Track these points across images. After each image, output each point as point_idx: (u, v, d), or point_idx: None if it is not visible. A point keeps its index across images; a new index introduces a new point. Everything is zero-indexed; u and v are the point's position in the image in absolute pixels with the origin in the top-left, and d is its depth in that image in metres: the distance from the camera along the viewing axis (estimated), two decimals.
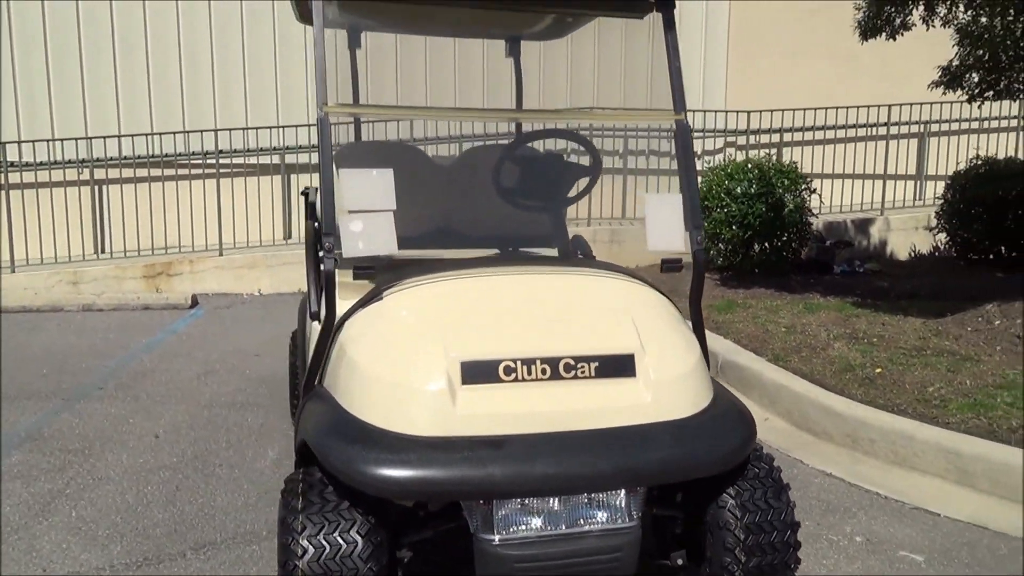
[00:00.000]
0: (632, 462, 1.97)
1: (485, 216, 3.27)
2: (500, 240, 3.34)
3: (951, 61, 5.63)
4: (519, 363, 2.02)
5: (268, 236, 8.53)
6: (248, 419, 4.09)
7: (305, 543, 1.88)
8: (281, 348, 5.26)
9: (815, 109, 9.20)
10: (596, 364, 2.07)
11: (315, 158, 8.49)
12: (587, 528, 1.97)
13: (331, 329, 2.23)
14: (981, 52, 5.39)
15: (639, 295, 2.36)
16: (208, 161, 8.22)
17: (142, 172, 8.17)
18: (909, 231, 8.74)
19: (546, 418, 1.99)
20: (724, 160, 8.76)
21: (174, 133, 8.19)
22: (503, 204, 3.15)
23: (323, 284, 2.22)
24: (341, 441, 1.96)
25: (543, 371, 2.03)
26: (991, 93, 5.59)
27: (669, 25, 2.54)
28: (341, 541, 1.89)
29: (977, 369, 4.20)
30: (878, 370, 4.27)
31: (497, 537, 1.93)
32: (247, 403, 4.36)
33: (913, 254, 8.40)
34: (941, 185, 8.14)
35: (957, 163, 8.34)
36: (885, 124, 9.02)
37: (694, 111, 9.16)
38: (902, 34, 5.70)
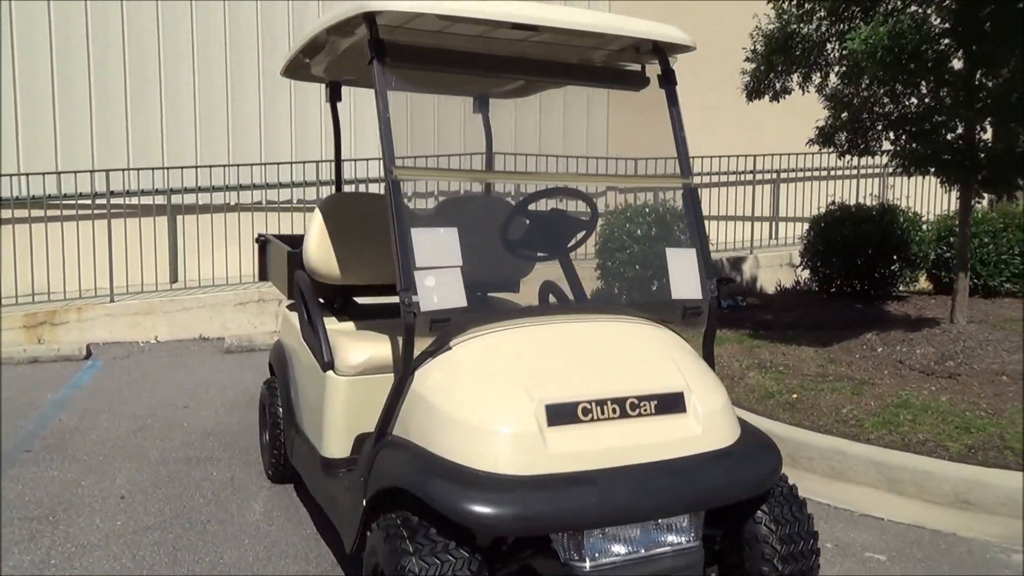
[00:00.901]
0: (696, 488, 2.24)
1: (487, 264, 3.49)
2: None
3: (825, 122, 6.46)
4: (594, 404, 2.25)
5: (152, 280, 8.17)
6: (213, 474, 3.99)
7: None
8: (208, 399, 5.19)
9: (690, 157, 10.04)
10: (655, 402, 2.34)
11: (204, 198, 8.27)
12: (662, 550, 2.21)
13: (406, 380, 2.35)
14: (846, 116, 6.24)
15: (667, 337, 2.66)
16: (86, 202, 7.80)
17: (21, 213, 7.61)
18: (775, 267, 9.73)
19: (621, 453, 2.23)
20: (606, 204, 9.46)
21: (43, 174, 7.70)
22: (502, 253, 3.38)
23: (404, 337, 2.33)
24: (447, 484, 2.09)
25: (613, 410, 2.27)
26: (856, 151, 6.46)
27: (672, 100, 2.90)
28: (455, 573, 2.02)
29: (876, 391, 4.84)
30: (795, 396, 4.82)
31: (588, 564, 2.13)
32: (203, 458, 4.23)
33: (779, 288, 9.35)
34: (795, 225, 9.15)
35: (816, 207, 9.40)
36: (751, 172, 10.02)
37: (578, 157, 9.81)
38: (784, 97, 6.48)
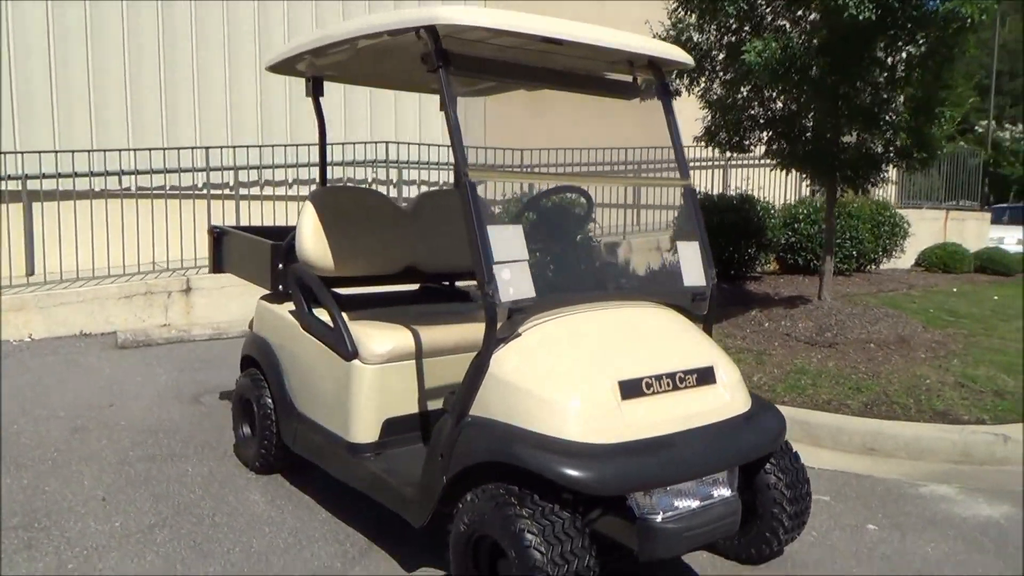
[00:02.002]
0: (736, 447, 2.66)
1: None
2: None
3: (708, 123, 7.16)
4: (653, 379, 2.60)
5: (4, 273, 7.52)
6: (189, 470, 3.91)
7: (539, 539, 2.25)
8: (131, 397, 5.09)
9: (558, 149, 10.60)
10: (695, 376, 2.72)
11: (64, 184, 7.70)
12: (712, 502, 2.60)
13: (485, 365, 2.56)
14: (729, 117, 6.98)
15: (683, 320, 3.05)
16: None
17: None
18: (645, 252, 10.55)
19: (678, 420, 2.59)
20: (483, 193, 9.87)
21: None
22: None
23: (486, 326, 2.53)
24: (550, 454, 2.34)
25: (667, 384, 2.63)
26: (735, 148, 7.23)
27: (668, 109, 3.29)
28: (567, 534, 2.29)
29: (774, 360, 5.57)
30: None
31: (660, 516, 2.48)
32: (166, 455, 4.11)
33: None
34: (663, 213, 10.02)
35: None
36: (611, 164, 10.77)
37: (436, 145, 10.09)
38: (675, 98, 7.11)
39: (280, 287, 3.81)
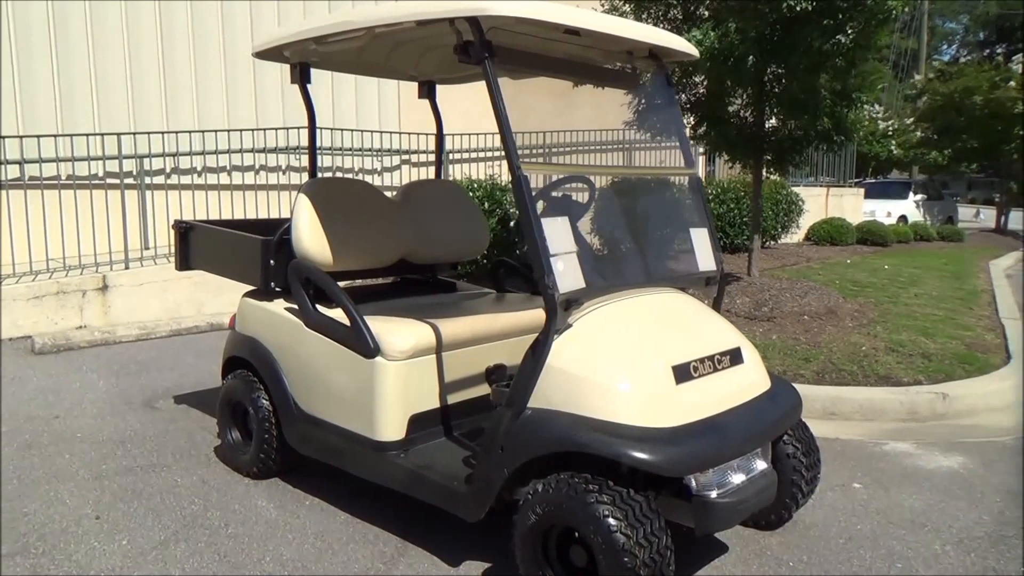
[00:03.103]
0: (772, 422, 2.83)
1: None
2: None
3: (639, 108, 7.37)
4: (698, 362, 2.73)
5: None
6: (178, 479, 3.72)
7: (623, 523, 2.32)
8: (73, 407, 4.87)
9: (469, 134, 10.59)
10: (728, 357, 2.88)
11: None
12: (753, 475, 2.76)
13: (542, 357, 2.59)
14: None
15: (701, 303, 3.19)
16: None
17: None
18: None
19: (722, 400, 2.73)
20: (400, 178, 9.84)
21: None
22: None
23: (547, 318, 2.56)
24: (624, 440, 2.41)
25: (708, 366, 2.77)
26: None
27: (671, 100, 3.40)
28: (646, 516, 2.38)
29: None
30: None
31: (715, 492, 2.61)
32: (145, 467, 3.89)
33: None
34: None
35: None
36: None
37: (373, 131, 9.94)
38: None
39: (271, 284, 3.67)
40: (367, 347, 3.13)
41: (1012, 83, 15.32)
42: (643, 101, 7.37)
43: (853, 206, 15.24)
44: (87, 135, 7.87)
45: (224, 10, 9.17)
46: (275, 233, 3.70)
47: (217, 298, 7.77)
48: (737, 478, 2.68)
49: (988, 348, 5.83)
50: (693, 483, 2.59)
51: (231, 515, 3.34)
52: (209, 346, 6.58)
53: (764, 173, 7.96)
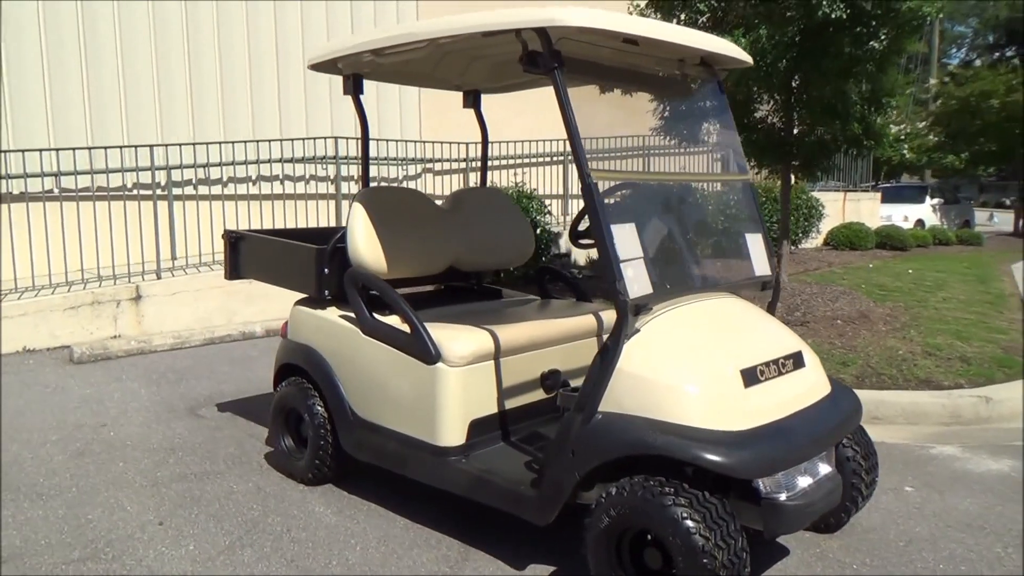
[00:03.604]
0: (836, 425, 2.85)
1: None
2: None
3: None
4: (764, 366, 2.75)
5: None
6: (234, 486, 3.75)
7: (702, 525, 2.35)
8: (120, 415, 4.92)
9: (493, 142, 10.65)
10: (791, 360, 2.90)
11: None
12: (821, 477, 2.78)
13: (613, 362, 2.62)
14: None
15: (757, 307, 3.22)
16: None
17: None
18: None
19: (788, 403, 2.75)
20: (422, 187, 9.90)
21: None
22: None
23: (617, 322, 2.60)
24: (701, 444, 2.43)
25: (773, 370, 2.79)
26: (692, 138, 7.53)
27: (725, 107, 3.43)
28: (723, 518, 2.40)
29: None
30: None
31: (784, 495, 2.63)
32: (199, 474, 3.93)
33: (589, 259, 10.42)
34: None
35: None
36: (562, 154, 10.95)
37: (396, 140, 9.99)
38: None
39: (326, 292, 3.71)
40: (428, 353, 3.16)
41: None
42: (667, 108, 7.44)
43: (870, 210, 15.24)
44: (119, 147, 7.94)
45: (250, 21, 9.25)
46: (327, 242, 3.75)
47: (248, 307, 7.83)
48: (804, 481, 2.70)
49: None
50: (762, 486, 2.61)
51: (291, 520, 3.37)
52: (243, 354, 6.64)
53: (809, 180, 7.98)
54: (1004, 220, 22.31)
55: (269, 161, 9.06)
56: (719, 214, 3.65)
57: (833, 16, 5.29)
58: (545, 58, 2.68)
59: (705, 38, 3.10)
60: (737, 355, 2.72)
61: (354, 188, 9.52)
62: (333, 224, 9.19)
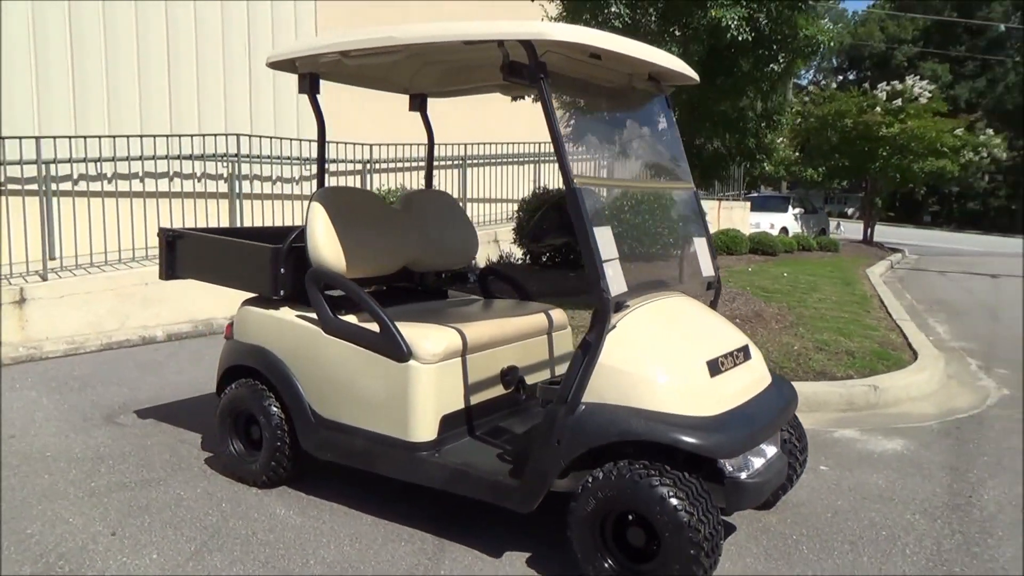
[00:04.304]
0: (782, 410, 3.16)
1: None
2: None
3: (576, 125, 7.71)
4: (722, 357, 3.02)
5: None
6: (181, 493, 3.63)
7: (686, 502, 2.56)
8: (25, 425, 4.64)
9: (389, 145, 10.63)
10: (742, 353, 3.19)
11: None
12: (771, 457, 3.07)
13: (595, 356, 2.79)
14: None
15: (704, 305, 3.49)
16: None
17: None
18: (484, 244, 10.96)
19: (743, 391, 3.03)
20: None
21: None
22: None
23: (600, 318, 2.77)
24: (679, 428, 2.65)
25: (730, 361, 3.07)
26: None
27: (671, 122, 3.70)
28: (701, 496, 2.62)
29: None
30: None
31: (744, 474, 2.90)
32: (140, 481, 3.77)
33: (490, 263, 10.60)
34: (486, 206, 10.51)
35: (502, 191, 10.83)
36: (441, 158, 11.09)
37: (291, 139, 9.80)
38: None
39: (281, 292, 3.67)
40: (400, 351, 3.22)
41: (878, 108, 16.93)
42: (574, 116, 7.75)
43: (741, 218, 16.32)
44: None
45: (139, 18, 8.81)
46: (258, 241, 3.74)
47: (143, 311, 7.47)
48: (758, 461, 2.98)
49: (896, 346, 6.52)
50: (727, 466, 2.87)
51: (254, 524, 3.33)
52: (148, 359, 6.34)
53: (706, 189, 8.49)
54: (848, 229, 24.47)
55: (181, 157, 8.64)
56: (666, 219, 3.91)
57: (740, 38, 5.74)
58: (531, 69, 2.83)
59: (667, 56, 3.34)
60: (700, 348, 2.97)
61: (247, 188, 9.25)
62: (226, 224, 8.90)
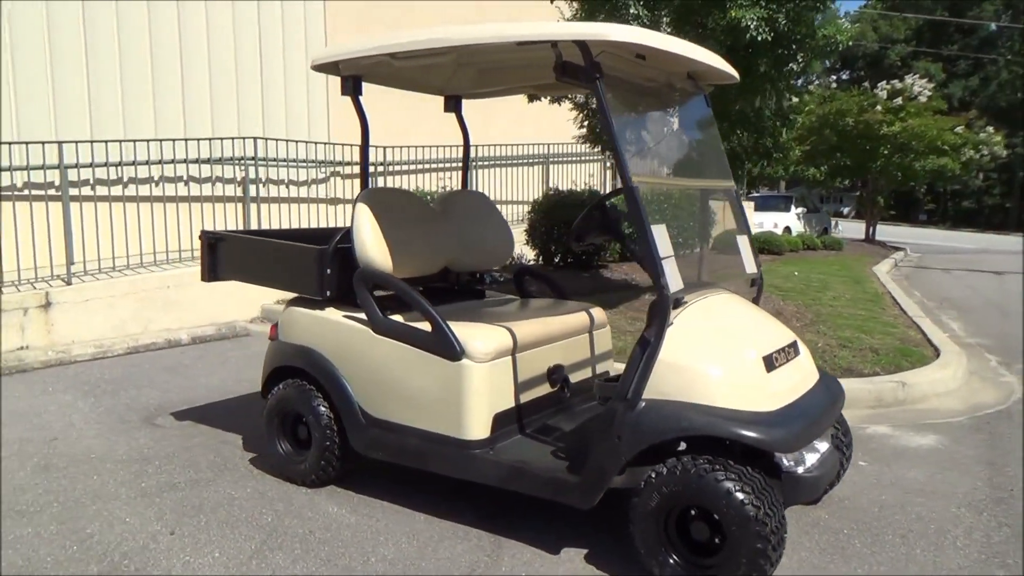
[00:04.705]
0: (833, 406, 3.20)
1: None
2: None
3: (590, 126, 7.78)
4: (776, 353, 3.06)
5: None
6: (233, 492, 3.66)
7: (752, 496, 2.60)
8: (66, 427, 4.67)
9: (401, 147, 10.66)
10: (791, 348, 3.23)
11: None
12: (823, 453, 3.12)
13: (655, 353, 2.83)
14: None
15: (749, 302, 3.54)
16: None
17: None
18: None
19: (796, 386, 3.08)
20: (328, 191, 9.86)
21: None
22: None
23: (660, 315, 2.81)
24: (743, 424, 2.69)
25: (783, 357, 3.11)
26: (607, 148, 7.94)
27: (711, 121, 3.75)
28: (765, 490, 2.66)
29: None
30: None
31: (800, 469, 2.95)
32: (189, 482, 3.79)
33: (512, 262, 10.62)
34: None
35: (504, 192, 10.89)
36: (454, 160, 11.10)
37: (304, 142, 9.82)
38: (561, 103, 7.65)
39: (327, 292, 3.70)
40: (453, 350, 3.26)
41: (879, 107, 17.04)
42: (587, 117, 7.81)
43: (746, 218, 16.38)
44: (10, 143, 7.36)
45: (152, 20, 8.83)
46: (321, 242, 3.76)
47: (165, 315, 7.49)
48: (812, 457, 3.03)
49: (917, 343, 6.59)
50: (784, 461, 2.92)
51: (309, 522, 3.36)
52: (175, 362, 6.36)
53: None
54: (845, 228, 24.57)
55: (198, 161, 8.65)
56: (708, 217, 3.96)
57: (759, 39, 5.79)
58: (587, 69, 2.87)
59: (714, 56, 3.39)
60: (755, 344, 3.02)
61: (264, 191, 9.27)
62: (241, 227, 8.93)
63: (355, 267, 3.64)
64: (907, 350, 6.19)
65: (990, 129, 19.93)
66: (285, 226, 9.38)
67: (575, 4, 7.03)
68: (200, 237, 4.16)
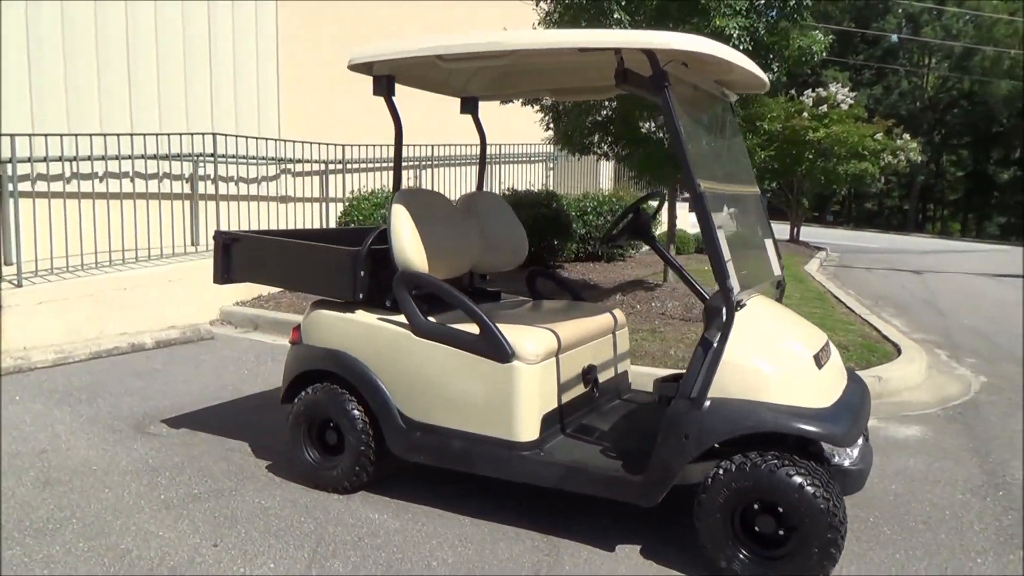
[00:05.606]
0: (868, 402, 3.37)
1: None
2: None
3: (564, 126, 7.87)
4: (820, 352, 3.21)
5: None
6: (263, 502, 3.54)
7: (820, 490, 2.72)
8: (55, 437, 4.43)
9: (355, 145, 10.49)
10: (828, 346, 3.39)
11: None
12: (862, 447, 3.28)
13: (720, 354, 2.91)
14: (579, 121, 7.77)
15: (779, 304, 3.68)
16: None
17: None
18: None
19: (838, 384, 3.23)
20: (279, 188, 9.64)
21: None
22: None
23: (726, 317, 2.89)
24: (806, 420, 2.81)
25: (825, 355, 3.26)
26: (581, 150, 8.06)
27: (735, 129, 3.87)
28: (830, 483, 2.79)
29: (669, 336, 6.47)
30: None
31: (847, 461, 3.10)
32: (211, 492, 3.65)
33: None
34: None
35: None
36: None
37: (252, 138, 9.54)
38: (535, 105, 7.70)
39: (360, 295, 3.64)
40: (503, 352, 3.26)
41: (805, 114, 17.82)
42: (550, 119, 7.90)
43: (683, 218, 16.85)
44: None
45: (98, 19, 8.39)
46: (349, 244, 3.70)
47: (119, 318, 7.14)
48: (853, 451, 3.18)
49: (876, 339, 6.96)
50: (835, 455, 3.06)
51: (355, 529, 3.30)
52: (144, 367, 6.08)
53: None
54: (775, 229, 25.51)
55: (156, 157, 8.27)
56: (748, 221, 4.08)
57: (741, 48, 6.00)
58: (655, 78, 2.93)
59: (756, 67, 3.50)
60: (804, 343, 3.15)
61: (211, 189, 8.94)
62: (188, 225, 8.60)
63: (384, 269, 3.59)
64: (871, 346, 6.53)
65: (907, 136, 21.11)
66: (235, 226, 9.07)
67: (557, 7, 7.09)
68: (214, 237, 4.00)
